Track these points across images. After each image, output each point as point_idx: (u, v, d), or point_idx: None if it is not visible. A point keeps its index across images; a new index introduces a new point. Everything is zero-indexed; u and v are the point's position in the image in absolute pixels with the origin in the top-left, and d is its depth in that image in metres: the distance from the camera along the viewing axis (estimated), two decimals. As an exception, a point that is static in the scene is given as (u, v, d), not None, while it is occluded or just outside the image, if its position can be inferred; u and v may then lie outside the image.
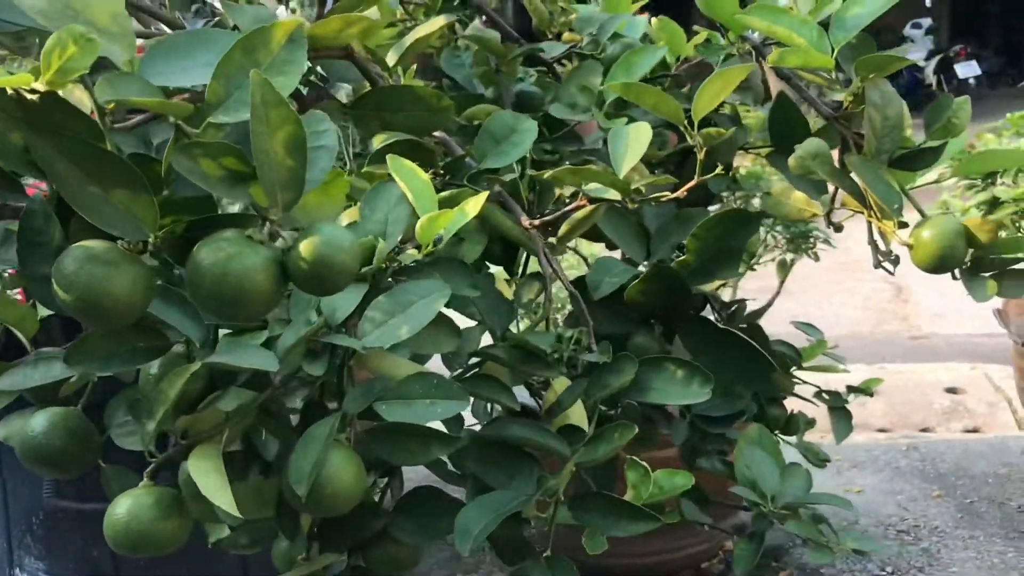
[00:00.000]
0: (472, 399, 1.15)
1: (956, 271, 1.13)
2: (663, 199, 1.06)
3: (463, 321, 1.12)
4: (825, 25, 1.12)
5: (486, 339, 1.15)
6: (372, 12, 1.01)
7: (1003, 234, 2.68)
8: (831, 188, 1.24)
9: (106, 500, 0.94)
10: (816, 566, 2.01)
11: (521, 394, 1.54)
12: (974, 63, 12.07)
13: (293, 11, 1.22)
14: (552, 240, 1.16)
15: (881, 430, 3.57)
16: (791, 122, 1.32)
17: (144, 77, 0.77)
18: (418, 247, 0.96)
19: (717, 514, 1.68)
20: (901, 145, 1.13)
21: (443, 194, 1.03)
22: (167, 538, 0.90)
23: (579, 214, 1.10)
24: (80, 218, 0.75)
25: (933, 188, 1.33)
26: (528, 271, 1.30)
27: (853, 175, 1.12)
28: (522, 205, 1.22)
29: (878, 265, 1.17)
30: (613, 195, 1.05)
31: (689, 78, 1.47)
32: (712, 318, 1.47)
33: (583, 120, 1.34)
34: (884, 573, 2.13)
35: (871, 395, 1.82)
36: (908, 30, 12.97)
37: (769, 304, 1.91)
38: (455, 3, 1.57)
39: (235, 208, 0.91)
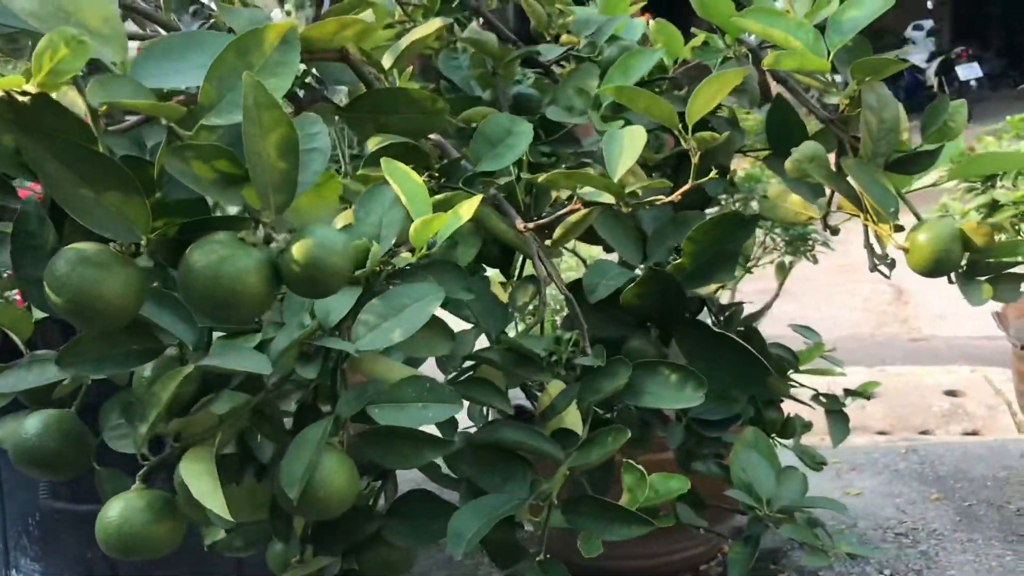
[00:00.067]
0: (468, 402, 1.15)
1: (952, 275, 1.13)
2: (658, 202, 1.06)
3: (459, 324, 1.12)
4: (821, 28, 1.12)
5: (483, 342, 1.15)
6: (367, 15, 1.01)
7: (1003, 237, 2.68)
8: (828, 191, 1.24)
9: (102, 502, 0.93)
10: (814, 569, 2.01)
11: (520, 395, 1.55)
12: (975, 65, 12.06)
13: (288, 13, 1.22)
14: (547, 243, 1.16)
15: (880, 432, 3.57)
16: (788, 125, 1.32)
17: (136, 79, 0.77)
18: (412, 250, 0.96)
19: (715, 517, 1.68)
20: (897, 148, 1.13)
21: (437, 197, 1.03)
22: (159, 541, 0.90)
23: (573, 217, 1.10)
24: (74, 221, 0.75)
25: (933, 191, 1.33)
26: (525, 274, 1.30)
27: (849, 178, 1.12)
28: (518, 208, 1.21)
29: (874, 268, 1.17)
30: (607, 198, 1.05)
31: (687, 81, 1.47)
32: (709, 321, 1.47)
33: (580, 123, 1.34)
34: (882, 576, 2.13)
35: (868, 398, 1.82)
36: (910, 32, 12.97)
37: (767, 307, 1.91)
38: (454, 4, 1.57)
39: (233, 211, 0.91)
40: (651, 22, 1.44)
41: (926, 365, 4.17)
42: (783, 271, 2.63)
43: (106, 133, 0.83)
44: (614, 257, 1.33)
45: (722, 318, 1.47)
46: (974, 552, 2.26)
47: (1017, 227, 2.70)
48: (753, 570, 1.29)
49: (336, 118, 1.17)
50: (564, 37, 1.51)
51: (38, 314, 1.12)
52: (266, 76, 0.77)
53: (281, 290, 0.82)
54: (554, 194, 1.28)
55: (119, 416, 1.00)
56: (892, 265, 1.17)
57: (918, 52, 12.59)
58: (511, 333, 1.23)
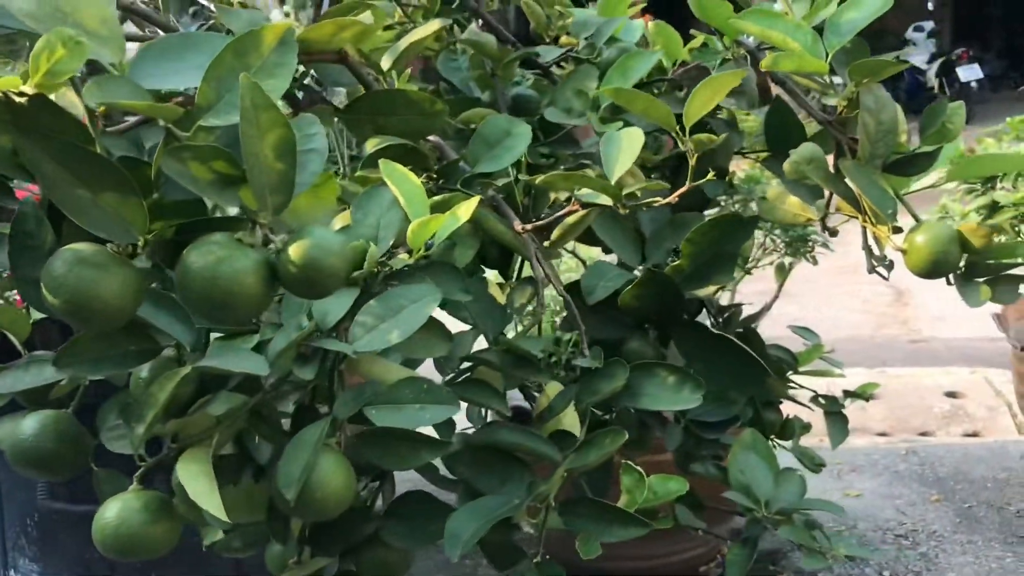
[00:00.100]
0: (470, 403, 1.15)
1: (950, 276, 1.13)
2: (655, 204, 1.06)
3: (458, 325, 1.12)
4: (820, 30, 1.12)
5: (481, 343, 1.15)
6: (365, 16, 1.01)
7: (1003, 239, 2.68)
8: (826, 193, 1.24)
9: (100, 503, 0.93)
10: (813, 571, 2.01)
11: (519, 396, 1.55)
12: (976, 66, 12.05)
13: (287, 14, 1.22)
14: (546, 244, 1.16)
15: (881, 434, 3.57)
16: (787, 127, 1.32)
17: (134, 80, 0.77)
18: (410, 251, 0.96)
19: (714, 519, 1.67)
20: (895, 150, 1.13)
21: (435, 198, 1.04)
22: (156, 542, 0.90)
23: (571, 219, 1.10)
24: (72, 221, 0.75)
25: (933, 192, 1.33)
26: (524, 275, 1.30)
27: (847, 180, 1.11)
28: (517, 209, 1.21)
29: (872, 270, 1.17)
30: (605, 200, 1.05)
31: (687, 82, 1.47)
32: (708, 323, 1.47)
33: (578, 124, 1.34)
34: (881, 578, 2.13)
35: (867, 400, 1.82)
36: (910, 33, 12.96)
37: (766, 308, 1.91)
38: (454, 6, 1.57)
39: (233, 211, 0.91)
40: (650, 24, 1.44)
41: (926, 366, 4.17)
42: (783, 272, 2.63)
43: (104, 134, 0.83)
44: (613, 258, 1.33)
45: (721, 319, 1.47)
46: (974, 554, 2.26)
47: (1017, 229, 2.70)
48: (752, 571, 1.29)
49: (335, 119, 1.17)
50: (563, 39, 1.51)
51: (37, 315, 1.12)
52: (264, 77, 0.77)
53: (279, 291, 0.82)
54: (553, 195, 1.28)
55: (117, 417, 1.00)
56: (890, 267, 1.16)
57: (919, 53, 12.59)
58: (510, 334, 1.23)
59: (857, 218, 1.15)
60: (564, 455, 1.04)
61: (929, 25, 13.04)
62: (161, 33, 1.10)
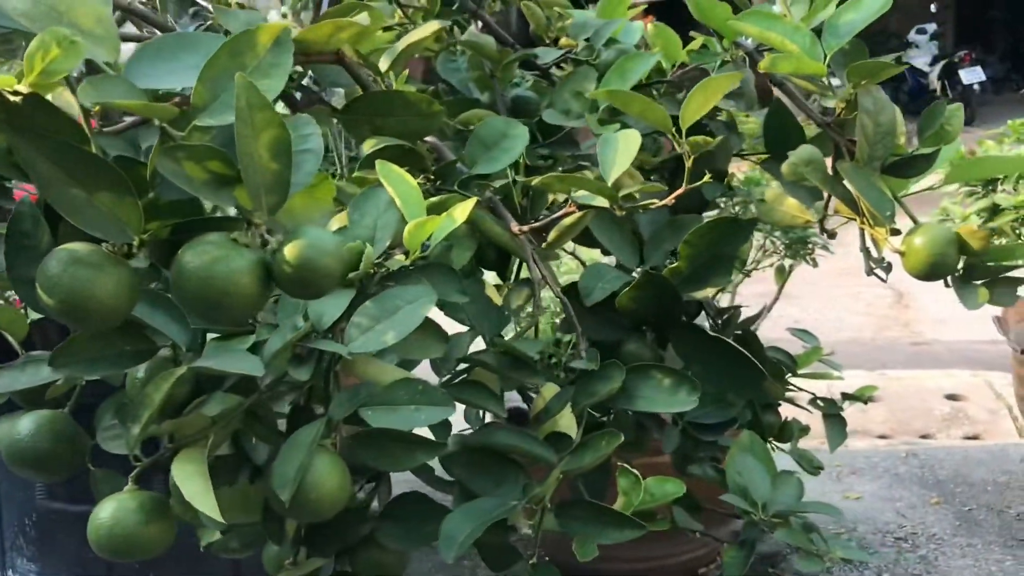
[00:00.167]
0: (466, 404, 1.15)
1: (948, 278, 1.12)
2: (652, 206, 1.06)
3: (455, 327, 1.11)
4: (818, 31, 1.12)
5: (480, 344, 1.15)
6: (363, 18, 1.01)
7: (1003, 241, 2.68)
8: (825, 194, 1.24)
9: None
10: (811, 574, 2.00)
11: (517, 397, 1.55)
12: (978, 69, 12.03)
13: (284, 15, 1.22)
14: (543, 246, 1.16)
15: (881, 436, 3.57)
16: (786, 129, 1.31)
17: (129, 80, 0.77)
18: (406, 253, 0.96)
19: (713, 521, 1.67)
20: (894, 152, 1.13)
21: (432, 200, 1.03)
22: (151, 542, 0.90)
23: (567, 220, 1.10)
24: (68, 221, 0.75)
25: (934, 194, 1.33)
26: (522, 276, 1.29)
27: (845, 182, 1.11)
28: (515, 210, 1.21)
29: (870, 272, 1.16)
30: (601, 202, 1.05)
31: (688, 84, 1.47)
32: (707, 325, 1.47)
33: (577, 126, 1.34)
34: (880, 580, 2.13)
35: (866, 402, 1.82)
36: (913, 35, 12.94)
37: (764, 310, 1.90)
38: (454, 7, 1.57)
39: (232, 212, 0.91)
40: (649, 26, 1.44)
41: (927, 369, 4.17)
42: (782, 275, 2.63)
43: (101, 134, 0.83)
44: (613, 260, 1.33)
45: (720, 322, 1.47)
46: (973, 557, 2.26)
47: (1018, 231, 2.70)
48: (750, 574, 1.28)
49: (333, 120, 1.17)
50: (563, 40, 1.51)
51: (36, 315, 1.12)
52: (259, 77, 0.77)
53: (274, 292, 0.82)
54: (551, 197, 1.28)
55: (113, 417, 1.00)
56: (888, 268, 1.16)
57: (921, 56, 12.57)
58: (510, 336, 1.23)
59: (855, 220, 1.15)
60: (560, 457, 1.04)
61: (932, 27, 13.03)
62: (159, 34, 1.10)
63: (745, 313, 1.56)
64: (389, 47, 1.24)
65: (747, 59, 1.35)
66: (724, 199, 2.12)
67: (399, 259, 0.96)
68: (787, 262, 2.67)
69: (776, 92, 1.31)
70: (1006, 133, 3.17)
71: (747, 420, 1.46)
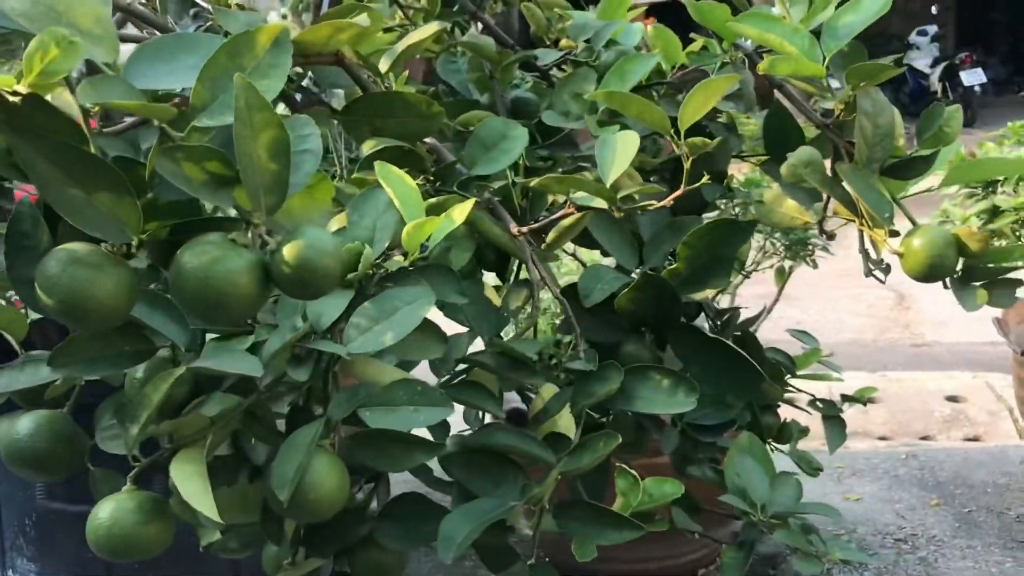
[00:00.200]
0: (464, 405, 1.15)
1: (947, 280, 1.12)
2: (650, 207, 1.06)
3: (454, 327, 1.12)
4: (817, 33, 1.12)
5: (479, 345, 1.15)
6: (362, 19, 1.01)
7: (1003, 243, 2.68)
8: (824, 196, 1.24)
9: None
10: (809, 575, 2.00)
11: (517, 398, 1.55)
12: (979, 71, 12.02)
13: (284, 16, 1.22)
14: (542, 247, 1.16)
15: (882, 438, 3.57)
16: (785, 130, 1.32)
17: (128, 80, 0.77)
18: (405, 254, 0.96)
19: (713, 523, 1.67)
20: (893, 153, 1.13)
21: (431, 201, 1.04)
22: (149, 542, 0.90)
23: (566, 222, 1.10)
24: (68, 222, 0.75)
25: (934, 196, 1.33)
26: (522, 277, 1.30)
27: (844, 183, 1.11)
28: (514, 212, 1.21)
29: (869, 273, 1.16)
30: (599, 203, 1.05)
31: (686, 86, 1.47)
32: (706, 326, 1.47)
33: (576, 127, 1.34)
34: (880, 582, 2.13)
35: (865, 404, 1.82)
36: (914, 37, 12.94)
37: (763, 312, 1.91)
38: (454, 8, 1.57)
39: (231, 213, 0.91)
40: (649, 27, 1.44)
41: (928, 370, 4.17)
42: (782, 276, 2.63)
43: (101, 134, 0.84)
44: (612, 261, 1.33)
45: (719, 323, 1.47)
46: (973, 559, 2.26)
47: (1018, 233, 2.70)
48: (751, 574, 1.28)
49: (334, 122, 1.17)
50: (563, 42, 1.52)
51: (35, 315, 1.12)
52: (258, 78, 0.77)
53: (274, 292, 0.82)
54: (550, 198, 1.28)
55: (112, 417, 1.00)
56: (887, 270, 1.16)
57: (922, 57, 12.57)
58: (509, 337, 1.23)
59: (854, 222, 1.15)
60: (558, 458, 1.04)
61: (933, 29, 13.02)
62: (158, 35, 1.10)
63: (745, 314, 1.56)
64: (389, 48, 1.24)
65: (746, 61, 1.35)
66: (724, 200, 2.12)
67: (398, 260, 0.96)
68: (787, 263, 2.67)
69: (776, 94, 1.31)
70: (1006, 135, 3.17)
71: (746, 421, 1.46)
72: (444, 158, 1.19)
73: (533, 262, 1.13)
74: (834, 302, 5.32)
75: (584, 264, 1.75)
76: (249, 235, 0.79)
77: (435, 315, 0.99)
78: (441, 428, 1.08)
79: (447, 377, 1.13)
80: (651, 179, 1.43)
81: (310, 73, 1.21)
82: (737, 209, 2.26)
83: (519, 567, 1.05)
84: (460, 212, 0.96)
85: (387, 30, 1.51)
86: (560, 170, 1.32)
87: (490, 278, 1.32)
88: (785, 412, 1.64)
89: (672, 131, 1.02)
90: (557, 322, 1.38)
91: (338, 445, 0.93)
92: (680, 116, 1.00)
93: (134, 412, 0.87)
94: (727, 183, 1.54)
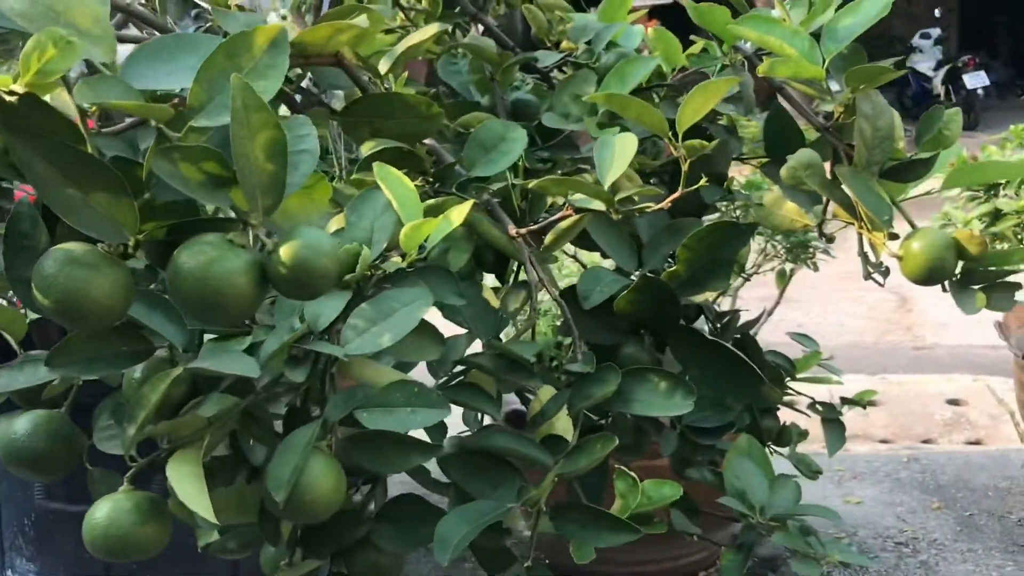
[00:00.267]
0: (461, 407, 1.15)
1: (946, 283, 1.12)
2: (648, 209, 1.06)
3: (453, 329, 1.12)
4: (817, 36, 1.12)
5: (477, 347, 1.15)
6: (362, 20, 1.01)
7: (1005, 246, 2.67)
8: (824, 199, 1.24)
9: (95, 503, 0.93)
10: (811, 578, 2.00)
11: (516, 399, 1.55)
12: (982, 73, 12.00)
13: (284, 17, 1.22)
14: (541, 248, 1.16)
15: (883, 441, 3.56)
16: (786, 132, 1.31)
17: (126, 80, 0.77)
18: (403, 255, 0.96)
19: (713, 525, 1.67)
20: (892, 156, 1.13)
21: (429, 202, 1.03)
22: (146, 543, 0.90)
23: (564, 224, 1.10)
24: (65, 221, 0.75)
25: (936, 199, 1.33)
26: (521, 279, 1.29)
27: (844, 186, 1.11)
28: (513, 213, 1.21)
29: (868, 276, 1.16)
30: (597, 205, 1.05)
31: (687, 88, 1.46)
32: (706, 328, 1.47)
33: (576, 129, 1.34)
34: (880, 585, 2.13)
35: (864, 407, 1.81)
36: (917, 40, 12.92)
37: (764, 314, 1.90)
38: (456, 10, 1.57)
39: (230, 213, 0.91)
40: (649, 30, 1.44)
41: (929, 373, 4.16)
42: (783, 278, 2.63)
43: (99, 134, 0.84)
44: (613, 263, 1.32)
45: (718, 325, 1.47)
46: (974, 562, 2.26)
47: (1019, 236, 2.69)
48: (750, 577, 1.28)
49: (334, 123, 1.17)
50: (564, 43, 1.52)
51: (35, 314, 1.12)
52: (255, 78, 0.77)
53: (271, 292, 0.82)
54: (550, 200, 1.28)
55: (109, 417, 1.00)
56: (886, 273, 1.16)
57: (925, 60, 12.56)
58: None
59: (853, 224, 1.15)
60: (555, 460, 1.04)
61: (936, 32, 13.00)
62: (158, 35, 1.10)
63: (745, 317, 1.56)
64: (390, 50, 1.24)
65: (746, 63, 1.35)
66: (725, 203, 2.12)
67: (396, 261, 0.96)
68: (788, 266, 2.67)
69: (777, 96, 1.31)
70: (1009, 138, 3.16)
71: (745, 424, 1.46)
72: (443, 159, 1.19)
73: (531, 264, 1.13)
74: (835, 305, 5.31)
75: (585, 266, 1.75)
76: (246, 235, 0.79)
77: (434, 316, 0.99)
78: (438, 430, 1.08)
79: (445, 379, 1.13)
80: (651, 181, 1.43)
81: (309, 74, 1.21)
82: (738, 211, 2.26)
83: (516, 569, 1.05)
84: (458, 214, 0.96)
85: (388, 31, 1.52)
86: (560, 172, 1.32)
87: (490, 280, 1.32)
88: (785, 415, 1.64)
89: (670, 133, 1.02)
90: (558, 323, 1.38)
91: (335, 446, 0.93)
92: (678, 119, 1.00)
93: (131, 412, 0.87)
94: (727, 185, 1.54)
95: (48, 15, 0.72)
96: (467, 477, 1.04)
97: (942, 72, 12.15)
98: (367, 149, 1.10)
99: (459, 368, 1.14)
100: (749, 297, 2.78)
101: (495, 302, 1.17)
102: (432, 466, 1.06)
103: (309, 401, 0.99)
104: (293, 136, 0.79)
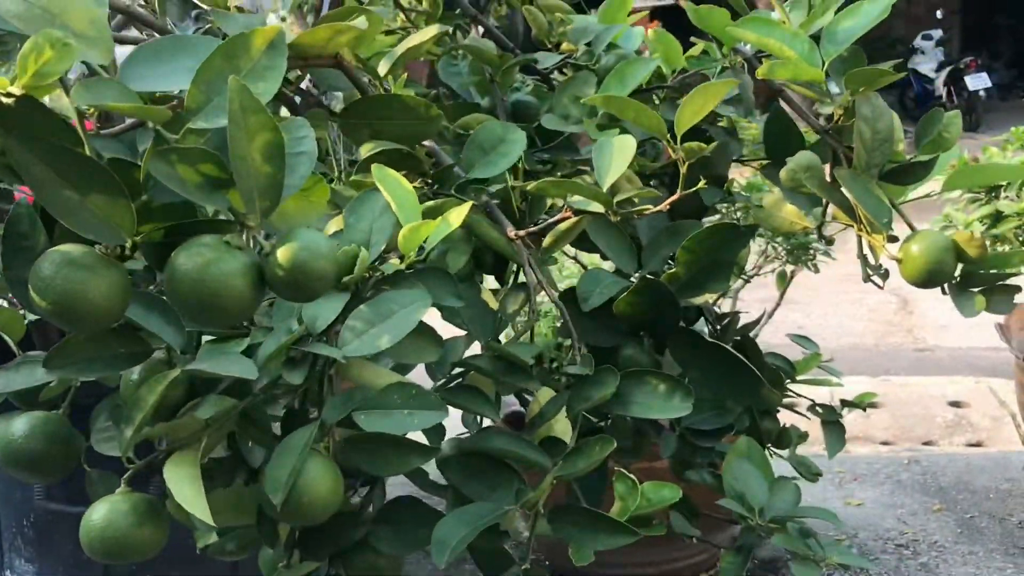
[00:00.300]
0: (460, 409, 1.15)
1: (945, 286, 1.12)
2: (647, 211, 1.06)
3: (452, 331, 1.11)
4: (817, 38, 1.12)
5: (477, 348, 1.15)
6: (360, 22, 1.01)
7: (1006, 248, 2.67)
8: (824, 201, 1.24)
9: (93, 504, 0.93)
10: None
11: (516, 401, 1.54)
12: (984, 75, 11.99)
13: (283, 19, 1.22)
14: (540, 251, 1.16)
15: (884, 443, 3.56)
16: (786, 135, 1.31)
17: (124, 82, 0.77)
18: (401, 257, 0.96)
19: (713, 527, 1.67)
20: (892, 159, 1.12)
21: (428, 204, 1.03)
22: (143, 544, 0.90)
23: (562, 226, 1.10)
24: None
25: (937, 201, 1.33)
26: (520, 280, 1.29)
27: (843, 189, 1.11)
28: (513, 215, 1.21)
29: (867, 279, 1.16)
30: (596, 207, 1.04)
31: (687, 90, 1.46)
32: (705, 330, 1.47)
33: (575, 131, 1.34)
34: (881, 588, 2.12)
35: (864, 409, 1.81)
36: (919, 41, 12.92)
37: (764, 316, 1.90)
38: (456, 11, 1.57)
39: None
40: (649, 32, 1.44)
41: (930, 375, 4.15)
42: (784, 280, 2.63)
43: (98, 136, 0.84)
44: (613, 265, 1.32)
45: (718, 327, 1.47)
46: (975, 564, 2.26)
47: (1021, 238, 2.69)
48: (749, 579, 1.28)
49: (333, 124, 1.17)
50: (564, 45, 1.52)
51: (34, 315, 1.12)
52: (253, 80, 0.77)
53: (269, 294, 0.82)
54: (549, 201, 1.28)
55: (107, 419, 1.00)
56: (885, 276, 1.16)
57: (927, 62, 12.55)
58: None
59: (853, 227, 1.14)
60: (554, 462, 1.04)
61: (938, 33, 13.00)
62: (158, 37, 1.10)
63: (745, 319, 1.55)
64: (389, 51, 1.24)
65: (746, 65, 1.34)
66: (726, 205, 2.12)
67: (394, 263, 0.96)
68: (788, 268, 2.67)
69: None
70: (1010, 140, 3.15)
71: (745, 426, 1.46)
72: (442, 161, 1.19)
73: (530, 265, 1.13)
74: (836, 306, 5.31)
75: (585, 267, 1.75)
76: (244, 237, 0.78)
77: (433, 319, 0.99)
78: (436, 431, 1.08)
79: (443, 381, 1.13)
80: (651, 183, 1.42)
81: (309, 75, 1.21)
82: (739, 213, 2.26)
83: (514, 571, 1.05)
84: (456, 215, 0.96)
85: (389, 32, 1.52)
86: (559, 173, 1.32)
87: (491, 281, 1.32)
88: (785, 417, 1.64)
89: (668, 135, 1.01)
90: (559, 324, 1.38)
91: (333, 448, 0.93)
92: (676, 120, 1.00)
93: (129, 414, 0.87)
94: (727, 187, 1.54)
95: (44, 17, 0.72)
96: (465, 479, 1.04)
97: (944, 73, 12.14)
98: (366, 151, 1.10)
99: (458, 370, 1.13)
100: (750, 299, 2.78)
101: (494, 304, 1.17)
102: (431, 468, 1.06)
103: (307, 403, 0.99)
104: (291, 138, 0.79)
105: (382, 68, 1.20)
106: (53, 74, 0.68)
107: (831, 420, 1.70)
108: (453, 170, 1.17)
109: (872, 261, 1.15)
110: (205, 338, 0.96)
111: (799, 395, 1.66)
